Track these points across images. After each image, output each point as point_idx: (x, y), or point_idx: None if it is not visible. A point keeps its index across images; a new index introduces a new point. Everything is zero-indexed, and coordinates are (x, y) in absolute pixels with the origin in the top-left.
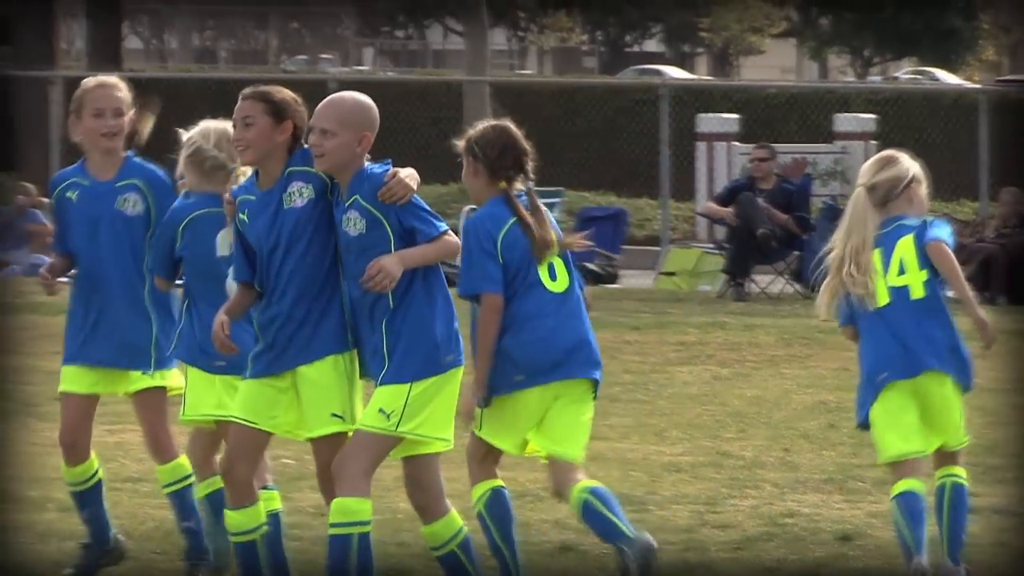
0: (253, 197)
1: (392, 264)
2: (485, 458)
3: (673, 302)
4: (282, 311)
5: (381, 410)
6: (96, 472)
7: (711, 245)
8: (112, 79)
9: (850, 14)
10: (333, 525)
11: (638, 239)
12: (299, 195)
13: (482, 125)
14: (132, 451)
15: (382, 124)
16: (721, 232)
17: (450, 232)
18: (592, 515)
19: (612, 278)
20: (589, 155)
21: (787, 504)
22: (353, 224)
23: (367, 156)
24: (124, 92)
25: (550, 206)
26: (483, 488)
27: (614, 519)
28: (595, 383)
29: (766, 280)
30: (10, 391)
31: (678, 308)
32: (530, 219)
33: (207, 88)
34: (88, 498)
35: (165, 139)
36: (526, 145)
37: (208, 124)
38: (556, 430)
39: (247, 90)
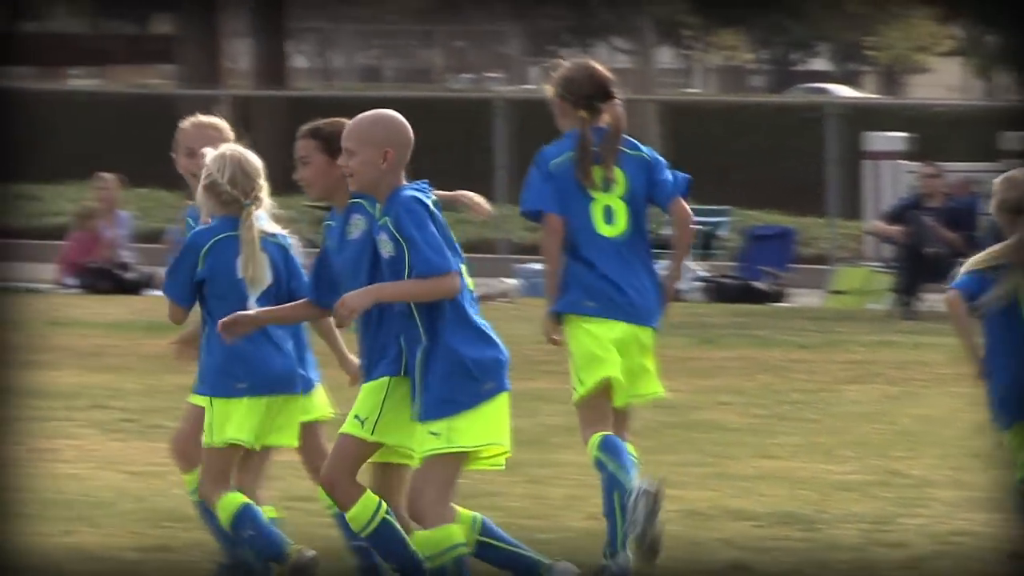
0: (333, 223)
1: (355, 298)
2: (593, 420)
3: (841, 320)
4: (362, 342)
5: (431, 432)
6: None
7: (879, 263)
8: (209, 118)
9: (1017, 32)
10: (426, 559)
11: (806, 257)
12: (356, 228)
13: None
14: (300, 470)
15: (550, 142)
16: (889, 250)
17: (452, 274)
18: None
19: (780, 296)
20: (756, 174)
21: (958, 523)
22: (384, 246)
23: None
24: (219, 131)
25: (717, 225)
26: (596, 438)
27: (620, 473)
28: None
29: (935, 298)
30: None
31: (846, 326)
32: (585, 153)
33: (373, 107)
34: (205, 508)
35: None
36: (607, 73)
37: (225, 154)
38: (628, 377)
39: (303, 127)
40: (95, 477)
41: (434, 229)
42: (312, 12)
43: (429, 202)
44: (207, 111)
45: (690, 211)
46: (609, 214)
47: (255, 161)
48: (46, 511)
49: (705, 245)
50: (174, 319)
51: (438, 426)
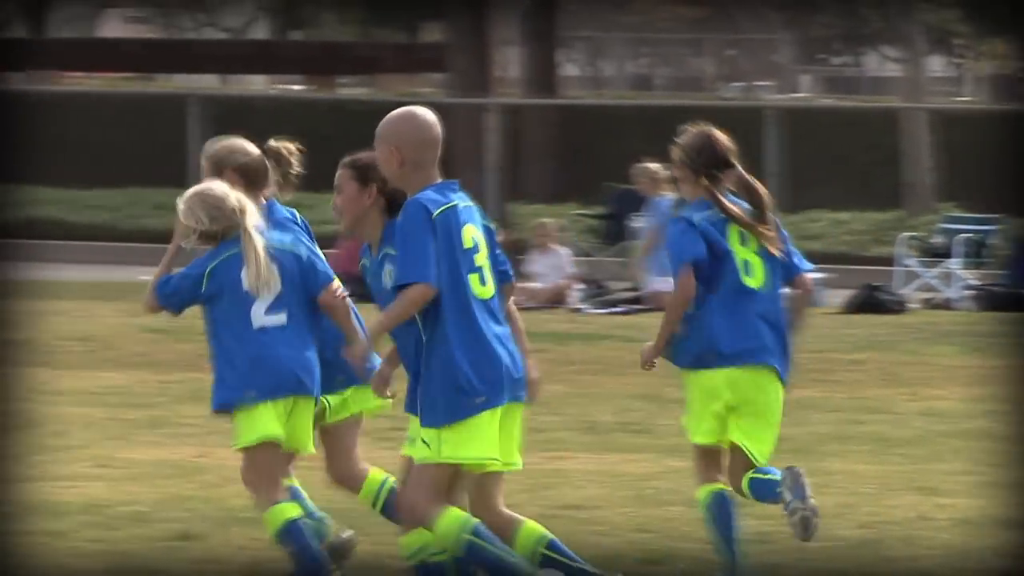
0: (368, 264)
1: (362, 347)
2: (708, 465)
3: None
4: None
5: (423, 440)
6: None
7: None
8: (215, 145)
9: None
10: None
11: None
12: (390, 277)
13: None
14: (572, 478)
15: (821, 150)
16: None
17: (417, 285)
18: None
19: None
20: None
21: None
22: (388, 277)
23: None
24: (209, 160)
25: (987, 233)
26: (705, 491)
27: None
28: (777, 372)
29: None
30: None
31: None
32: (730, 213)
33: (643, 115)
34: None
35: (609, 164)
36: (728, 143)
37: (189, 204)
38: (748, 425)
39: (344, 158)
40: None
41: (420, 237)
42: (583, 20)
43: (436, 209)
44: (477, 119)
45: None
46: (748, 267)
47: (216, 189)
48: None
49: (976, 253)
50: (150, 310)
51: (429, 435)
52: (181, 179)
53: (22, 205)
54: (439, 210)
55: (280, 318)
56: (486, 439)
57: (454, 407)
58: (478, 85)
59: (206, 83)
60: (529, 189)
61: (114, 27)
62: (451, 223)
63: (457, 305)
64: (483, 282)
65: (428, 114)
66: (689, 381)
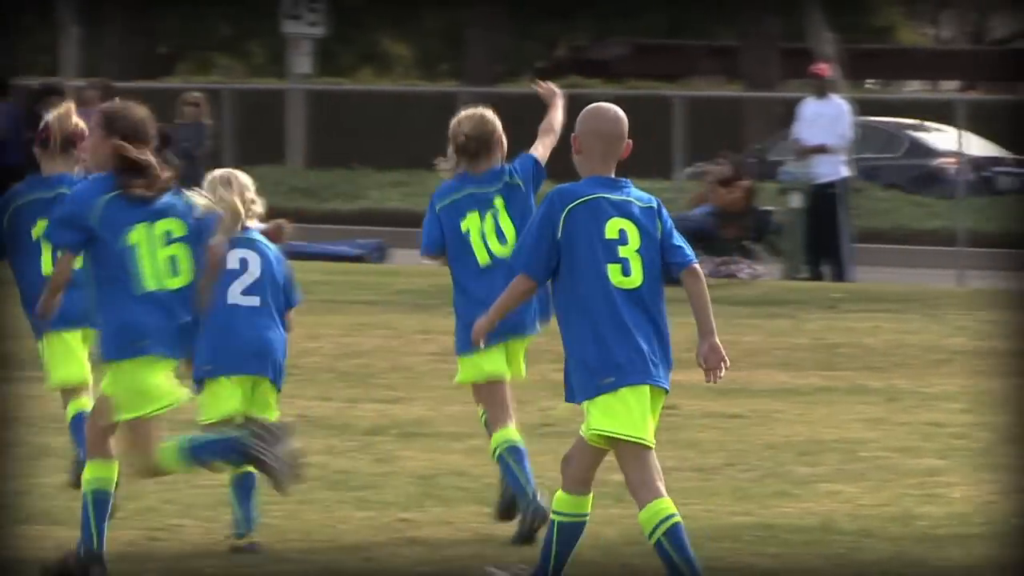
0: None
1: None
2: None
3: None
4: None
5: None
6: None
7: None
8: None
9: None
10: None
11: None
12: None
13: None
14: None
15: None
16: None
17: (519, 278)
18: None
19: None
20: None
21: None
22: None
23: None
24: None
25: None
26: None
27: None
28: None
29: None
30: None
31: None
32: None
33: None
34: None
35: None
36: None
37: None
38: None
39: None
40: None
41: (537, 227)
42: None
43: (571, 200)
44: None
45: None
46: None
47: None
48: None
49: None
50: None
51: (585, 407)
52: None
53: None
54: (576, 201)
55: None
56: (626, 415)
57: (583, 386)
58: None
59: None
60: None
61: None
62: (585, 214)
63: (592, 291)
64: (626, 272)
65: (613, 111)
66: None
